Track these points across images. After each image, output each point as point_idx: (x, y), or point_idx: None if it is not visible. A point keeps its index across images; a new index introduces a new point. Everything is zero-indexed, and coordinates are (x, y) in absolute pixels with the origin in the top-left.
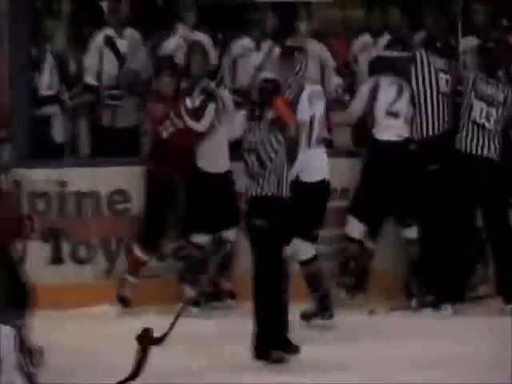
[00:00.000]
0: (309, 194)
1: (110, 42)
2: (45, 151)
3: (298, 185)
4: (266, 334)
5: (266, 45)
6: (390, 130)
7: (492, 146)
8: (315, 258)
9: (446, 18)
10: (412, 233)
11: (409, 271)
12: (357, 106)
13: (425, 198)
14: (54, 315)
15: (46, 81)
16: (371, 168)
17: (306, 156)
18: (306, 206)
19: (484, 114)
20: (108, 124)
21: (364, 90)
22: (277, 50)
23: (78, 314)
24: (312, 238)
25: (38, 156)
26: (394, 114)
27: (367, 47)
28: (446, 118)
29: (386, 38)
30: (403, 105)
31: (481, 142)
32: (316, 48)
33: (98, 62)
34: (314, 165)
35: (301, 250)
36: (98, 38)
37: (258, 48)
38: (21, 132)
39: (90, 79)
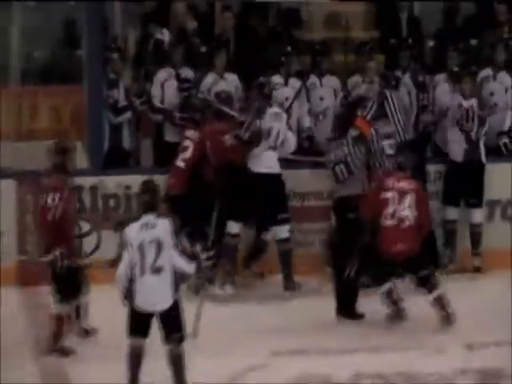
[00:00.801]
0: None
1: (174, 76)
2: (115, 160)
3: None
4: (347, 294)
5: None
6: None
7: None
8: None
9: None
10: None
11: None
12: None
13: None
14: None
15: (121, 97)
16: None
17: None
18: None
19: None
20: (170, 139)
21: None
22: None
23: None
24: None
25: (109, 165)
26: None
27: (358, 85)
28: None
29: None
30: None
31: None
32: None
33: (161, 92)
34: None
35: None
36: (161, 75)
37: (286, 83)
38: (96, 146)
39: (157, 103)
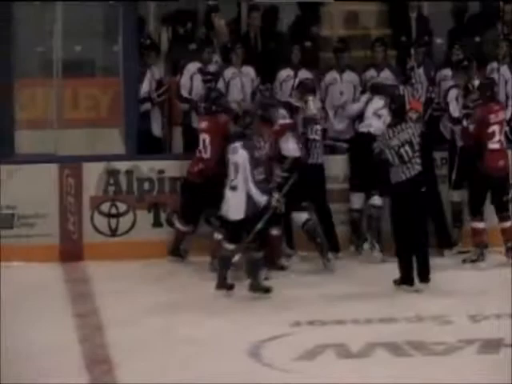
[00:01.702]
0: None
1: (200, 71)
2: (148, 146)
3: None
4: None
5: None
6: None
7: None
8: None
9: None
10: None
11: None
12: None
13: None
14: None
15: (145, 89)
16: None
17: None
18: None
19: None
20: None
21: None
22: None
23: None
24: None
25: (143, 151)
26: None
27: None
28: None
29: (386, 72)
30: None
31: None
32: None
33: (190, 83)
34: None
35: None
36: (190, 67)
37: (295, 76)
38: (131, 133)
39: (184, 93)
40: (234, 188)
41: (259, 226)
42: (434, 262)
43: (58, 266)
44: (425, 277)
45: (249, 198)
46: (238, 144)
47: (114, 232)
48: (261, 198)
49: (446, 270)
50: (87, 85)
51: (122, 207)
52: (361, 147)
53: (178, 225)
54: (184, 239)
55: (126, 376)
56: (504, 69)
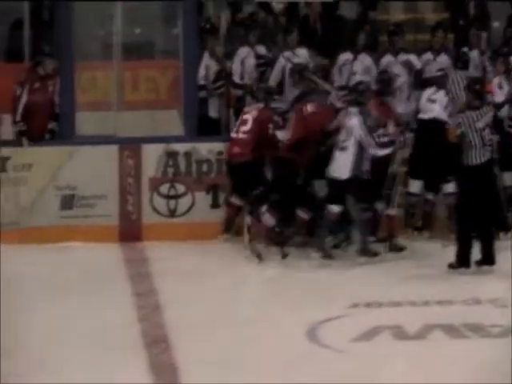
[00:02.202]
0: None
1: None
2: (207, 128)
3: None
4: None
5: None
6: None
7: None
8: None
9: None
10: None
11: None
12: None
13: None
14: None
15: (201, 74)
16: None
17: None
18: None
19: None
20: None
21: None
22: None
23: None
24: None
25: (202, 133)
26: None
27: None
28: None
29: (442, 57)
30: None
31: None
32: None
33: (241, 68)
34: None
35: None
36: (241, 52)
37: (355, 59)
38: (190, 116)
39: (236, 79)
40: (343, 149)
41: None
42: None
43: (117, 246)
44: (490, 260)
45: (356, 160)
46: (353, 109)
47: (172, 213)
48: (379, 151)
49: (502, 252)
50: (147, 67)
51: (181, 188)
52: (425, 133)
53: (233, 199)
54: (237, 216)
55: (182, 355)
56: None
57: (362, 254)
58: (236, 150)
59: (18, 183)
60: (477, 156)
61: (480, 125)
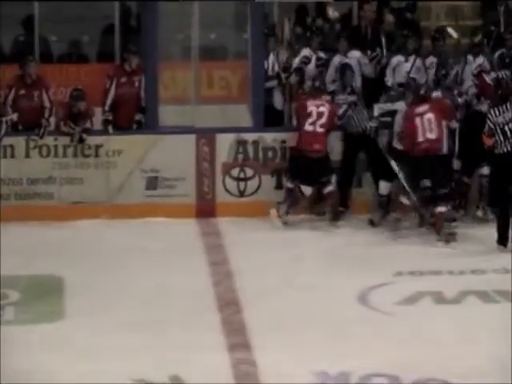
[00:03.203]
0: None
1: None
2: (272, 119)
3: None
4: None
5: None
6: None
7: None
8: None
9: None
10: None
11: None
12: None
13: None
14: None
15: (270, 67)
16: None
17: None
18: None
19: None
20: None
21: None
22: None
23: None
24: None
25: (268, 124)
26: None
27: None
28: None
29: (480, 59)
30: None
31: None
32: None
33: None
34: None
35: None
36: (302, 53)
37: (406, 60)
38: (257, 109)
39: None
40: None
41: None
42: None
43: (194, 221)
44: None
45: None
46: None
47: (242, 193)
48: None
49: None
50: (220, 67)
51: (249, 172)
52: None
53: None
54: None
55: (251, 317)
56: None
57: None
58: (316, 145)
59: (109, 167)
60: (500, 147)
61: (500, 120)
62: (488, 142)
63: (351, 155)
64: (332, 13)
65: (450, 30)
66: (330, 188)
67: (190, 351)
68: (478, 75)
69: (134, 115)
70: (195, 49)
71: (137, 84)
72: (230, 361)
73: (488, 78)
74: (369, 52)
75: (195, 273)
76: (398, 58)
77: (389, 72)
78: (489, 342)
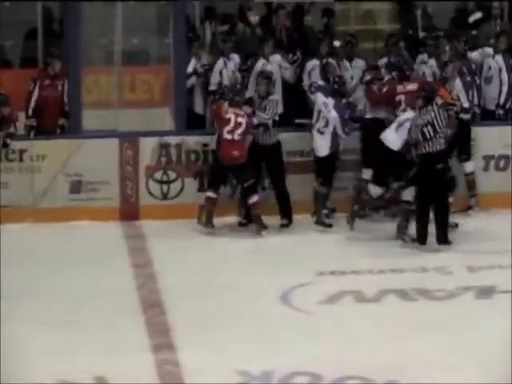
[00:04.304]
0: None
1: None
2: (194, 122)
3: None
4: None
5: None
6: None
7: None
8: None
9: None
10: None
11: None
12: None
13: None
14: None
15: (189, 70)
16: None
17: None
18: None
19: None
20: None
21: None
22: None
23: None
24: None
25: (190, 127)
26: None
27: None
28: None
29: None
30: None
31: None
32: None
33: (219, 77)
34: None
35: None
36: (219, 62)
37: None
38: (180, 113)
39: (212, 86)
40: (321, 132)
41: None
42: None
43: (118, 224)
44: (444, 239)
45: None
46: (330, 102)
47: (165, 196)
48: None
49: None
50: (143, 71)
51: (172, 175)
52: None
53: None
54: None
55: (175, 318)
56: (498, 58)
57: (316, 223)
58: (235, 153)
59: (33, 171)
60: (419, 148)
61: (419, 121)
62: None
63: (256, 164)
64: (253, 17)
65: (335, 42)
66: (254, 198)
67: (114, 352)
68: (367, 83)
69: (58, 120)
70: (118, 53)
71: (60, 88)
72: (154, 361)
73: (376, 87)
74: (290, 55)
75: (119, 275)
76: (313, 62)
77: (305, 76)
78: (408, 339)
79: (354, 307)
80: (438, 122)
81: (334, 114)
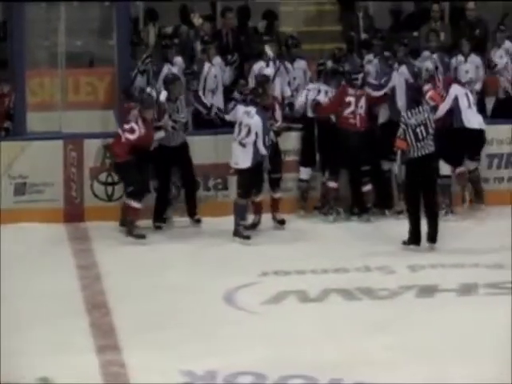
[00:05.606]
0: None
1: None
2: None
3: None
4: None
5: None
6: None
7: None
8: None
9: None
10: None
11: None
12: None
13: None
14: None
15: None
16: None
17: None
18: None
19: None
20: None
21: None
22: None
23: None
24: None
25: None
26: None
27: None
28: None
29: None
30: None
31: None
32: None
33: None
34: None
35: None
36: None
37: (267, 65)
38: (123, 114)
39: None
40: (242, 145)
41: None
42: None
43: (62, 226)
44: (434, 238)
45: (255, 151)
46: (252, 109)
47: (109, 197)
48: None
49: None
50: (87, 74)
51: (117, 177)
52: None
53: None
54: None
55: (119, 319)
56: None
57: (234, 235)
58: (116, 149)
59: None
60: (412, 150)
61: (411, 122)
62: (401, 145)
63: (165, 168)
64: (197, 19)
65: (267, 48)
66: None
67: (58, 353)
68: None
69: (2, 122)
70: (62, 55)
71: (6, 103)
72: (99, 362)
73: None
74: (229, 57)
75: (63, 276)
76: (259, 64)
77: (250, 79)
78: (351, 337)
79: (297, 307)
80: (430, 123)
81: (256, 119)
